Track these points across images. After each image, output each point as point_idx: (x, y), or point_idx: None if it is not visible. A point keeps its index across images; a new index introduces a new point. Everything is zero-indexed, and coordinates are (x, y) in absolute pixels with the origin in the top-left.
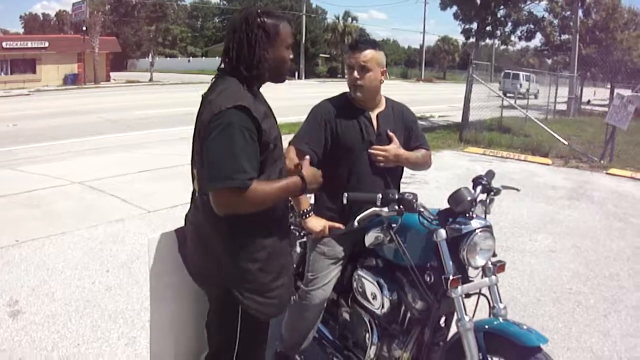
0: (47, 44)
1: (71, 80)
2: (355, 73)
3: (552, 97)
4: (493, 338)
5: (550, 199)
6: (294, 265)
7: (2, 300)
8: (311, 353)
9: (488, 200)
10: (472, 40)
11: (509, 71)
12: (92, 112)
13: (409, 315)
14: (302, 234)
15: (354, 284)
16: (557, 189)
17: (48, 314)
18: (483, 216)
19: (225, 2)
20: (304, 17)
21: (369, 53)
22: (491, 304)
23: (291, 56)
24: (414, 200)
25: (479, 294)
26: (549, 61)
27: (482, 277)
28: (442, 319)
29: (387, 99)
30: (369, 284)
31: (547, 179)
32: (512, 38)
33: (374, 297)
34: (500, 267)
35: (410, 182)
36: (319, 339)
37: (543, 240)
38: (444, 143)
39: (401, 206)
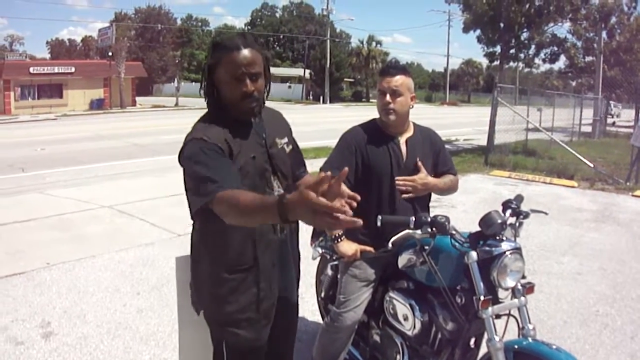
0: (73, 69)
1: (97, 105)
2: (388, 97)
3: (577, 119)
4: (523, 358)
5: (576, 221)
6: (323, 288)
7: (35, 322)
8: None
9: (517, 224)
10: (495, 63)
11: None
12: (119, 136)
13: (439, 336)
14: (334, 257)
15: (386, 306)
16: (583, 211)
17: (80, 336)
18: (512, 239)
19: (249, 27)
20: (328, 41)
21: (400, 78)
22: (520, 325)
23: (245, 90)
24: (447, 223)
25: (509, 314)
26: (574, 83)
27: (511, 299)
28: (472, 340)
29: (414, 124)
30: (400, 306)
31: (573, 202)
32: (536, 60)
33: (406, 319)
34: (529, 288)
35: (437, 206)
36: None
37: (569, 262)
38: (469, 166)
39: (434, 229)
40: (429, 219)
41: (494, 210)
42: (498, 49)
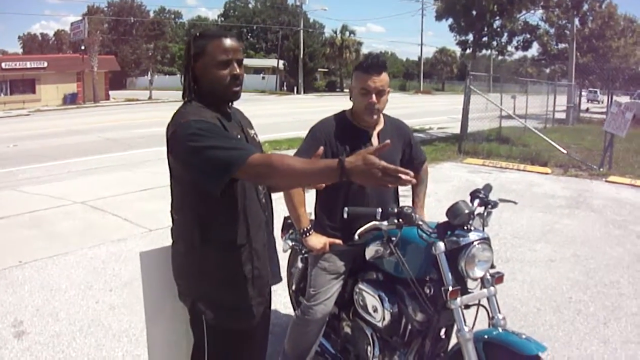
0: (46, 64)
1: (70, 100)
2: (374, 97)
3: (550, 106)
4: (492, 348)
5: (549, 208)
6: (294, 281)
7: (7, 321)
8: None
9: (485, 213)
10: (468, 51)
11: (593, 89)
12: (92, 131)
13: (409, 327)
14: (302, 251)
15: (355, 298)
16: (556, 198)
17: (52, 334)
18: (481, 229)
19: (222, 19)
20: (301, 32)
21: (384, 76)
22: (490, 315)
23: (234, 73)
24: (413, 214)
25: (478, 305)
26: (547, 70)
27: (480, 289)
28: (443, 331)
29: (385, 116)
30: (370, 297)
31: (547, 188)
32: (509, 48)
33: (375, 310)
34: (498, 278)
35: (409, 195)
36: (322, 353)
37: (542, 249)
38: (443, 155)
39: (400, 220)
40: (396, 210)
41: (461, 200)
42: (470, 37)
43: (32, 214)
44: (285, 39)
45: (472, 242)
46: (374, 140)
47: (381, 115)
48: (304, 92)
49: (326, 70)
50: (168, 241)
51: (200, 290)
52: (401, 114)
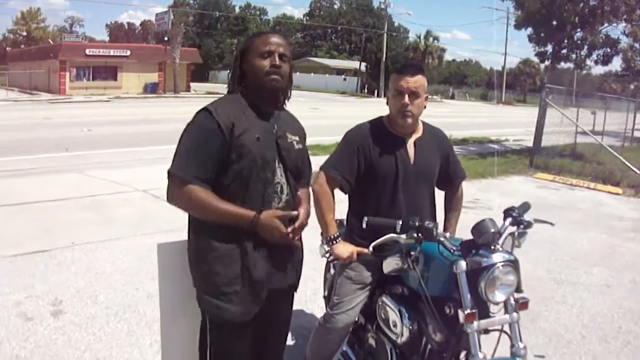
0: (129, 53)
1: (151, 89)
2: (406, 99)
3: (630, 123)
4: None
5: (614, 230)
6: (326, 287)
7: (48, 299)
8: None
9: (517, 234)
10: (547, 63)
11: None
12: (168, 121)
13: (429, 347)
14: (330, 258)
15: (378, 311)
16: (623, 220)
17: (88, 316)
18: (509, 250)
19: (307, 18)
20: (385, 35)
21: (419, 78)
22: (511, 343)
23: (274, 63)
24: (435, 229)
25: (501, 331)
26: (632, 86)
27: (504, 314)
28: (463, 354)
29: (424, 124)
30: (391, 312)
31: (615, 209)
32: (588, 62)
33: (395, 325)
34: (522, 304)
35: (473, 207)
36: None
37: (599, 273)
38: (514, 168)
39: (420, 234)
40: (417, 224)
41: (489, 218)
42: (549, 48)
43: (94, 198)
44: (369, 41)
45: (495, 264)
46: (410, 148)
47: (420, 124)
48: (384, 96)
49: None
50: None
51: (197, 280)
52: (480, 123)
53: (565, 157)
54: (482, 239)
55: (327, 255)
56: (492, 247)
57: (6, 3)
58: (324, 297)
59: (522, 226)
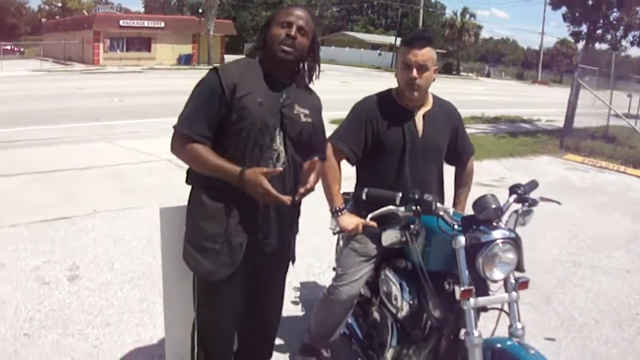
0: (163, 24)
1: (185, 61)
2: (414, 72)
3: None
4: (500, 358)
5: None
6: (335, 259)
7: (65, 264)
8: (338, 348)
9: (521, 211)
10: (582, 43)
11: None
12: None
13: (429, 322)
14: (335, 230)
15: (380, 284)
16: None
17: (103, 282)
18: (511, 227)
19: None
20: (421, 10)
21: (427, 51)
22: (509, 322)
23: (289, 33)
24: (434, 203)
25: (501, 310)
26: None
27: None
28: (463, 331)
29: (434, 97)
30: (392, 285)
31: None
32: (623, 43)
33: (395, 299)
34: (522, 283)
35: (499, 186)
36: (349, 336)
37: (620, 258)
38: (543, 148)
39: (418, 207)
40: (416, 196)
41: (490, 194)
42: (584, 28)
43: (118, 167)
44: (405, 16)
45: (494, 240)
46: (419, 121)
47: (430, 96)
48: None
49: (444, 52)
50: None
51: (186, 232)
52: (514, 102)
53: (597, 140)
54: (483, 214)
55: (336, 228)
56: (493, 224)
57: None
58: (334, 269)
59: (526, 204)
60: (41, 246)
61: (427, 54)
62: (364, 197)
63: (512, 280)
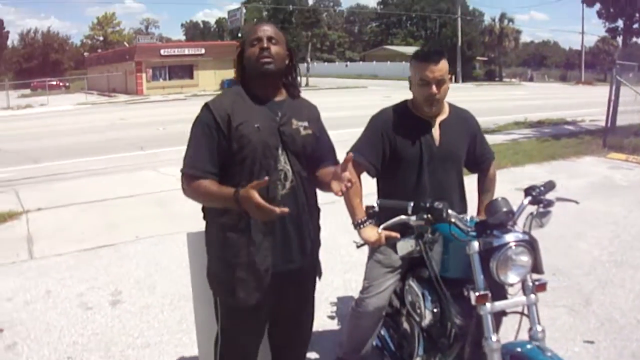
0: (203, 51)
1: (228, 85)
2: (434, 88)
3: None
4: None
5: None
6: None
7: (108, 290)
8: None
9: (538, 213)
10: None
11: None
12: None
13: (454, 330)
14: (358, 243)
15: (405, 294)
16: None
17: (144, 305)
18: (529, 229)
19: (381, 7)
20: (459, 19)
21: (443, 64)
22: (529, 326)
23: (262, 46)
24: (445, 210)
25: (522, 314)
26: None
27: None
28: None
29: (450, 105)
30: (415, 295)
31: None
32: None
33: (419, 309)
34: (540, 286)
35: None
36: (381, 347)
37: None
38: (586, 149)
39: (429, 215)
40: (427, 205)
41: (502, 197)
42: (620, 23)
43: (161, 194)
44: (444, 26)
45: (507, 244)
46: (435, 131)
47: (446, 104)
48: (462, 81)
49: (485, 59)
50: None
51: (208, 264)
52: (557, 105)
53: None
54: (494, 218)
55: (359, 241)
56: (507, 227)
57: (84, 11)
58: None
59: (541, 205)
60: (85, 273)
61: (443, 67)
62: (376, 208)
63: (530, 283)
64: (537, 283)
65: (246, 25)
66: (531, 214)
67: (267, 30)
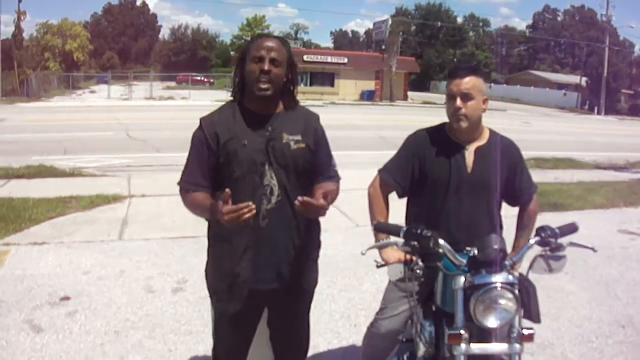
0: (346, 60)
1: (367, 96)
2: (458, 102)
3: None
4: None
5: None
6: None
7: (176, 277)
8: None
9: (549, 257)
10: None
11: None
12: (373, 127)
13: None
14: (378, 264)
15: (412, 323)
16: None
17: (202, 296)
18: (539, 272)
19: (530, 30)
20: (606, 48)
21: (470, 80)
22: None
23: (262, 68)
24: (432, 239)
25: None
26: None
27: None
28: None
29: (491, 132)
30: (416, 324)
31: None
32: None
33: (416, 337)
34: (527, 335)
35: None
36: None
37: None
38: None
39: (416, 243)
40: (417, 231)
41: (495, 234)
42: None
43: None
44: (591, 55)
45: (491, 284)
46: (469, 156)
47: (486, 131)
48: (604, 114)
49: (631, 92)
50: (365, 239)
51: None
52: None
53: None
54: (482, 254)
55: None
56: (499, 266)
57: (237, 11)
58: None
59: (548, 248)
60: (161, 259)
61: (470, 82)
62: (373, 229)
63: (516, 331)
64: (524, 332)
65: (391, 36)
66: (541, 256)
67: (271, 49)
